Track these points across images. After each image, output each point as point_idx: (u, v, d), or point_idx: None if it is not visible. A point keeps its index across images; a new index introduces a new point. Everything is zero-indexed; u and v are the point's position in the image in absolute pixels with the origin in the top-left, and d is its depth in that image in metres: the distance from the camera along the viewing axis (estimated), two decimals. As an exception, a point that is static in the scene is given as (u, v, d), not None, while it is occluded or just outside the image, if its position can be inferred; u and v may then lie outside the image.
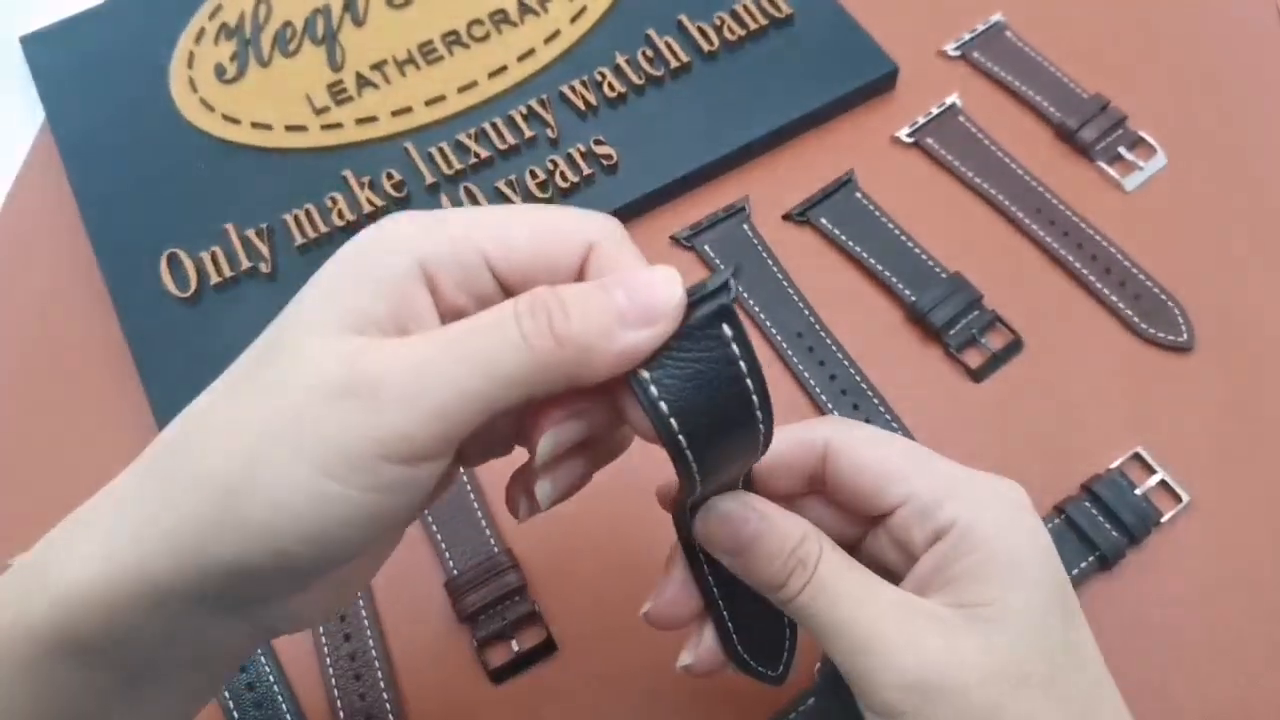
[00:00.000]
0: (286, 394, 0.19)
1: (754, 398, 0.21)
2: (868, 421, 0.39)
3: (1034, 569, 0.24)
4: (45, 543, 0.22)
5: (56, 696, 0.21)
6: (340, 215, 0.45)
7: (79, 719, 0.22)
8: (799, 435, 0.27)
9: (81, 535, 0.21)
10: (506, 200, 0.44)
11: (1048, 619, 0.24)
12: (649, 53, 0.48)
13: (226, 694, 0.35)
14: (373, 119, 0.48)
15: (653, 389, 0.20)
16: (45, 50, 0.52)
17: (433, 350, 0.19)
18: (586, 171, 0.45)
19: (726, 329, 0.20)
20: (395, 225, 0.21)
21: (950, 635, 0.24)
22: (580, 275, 0.22)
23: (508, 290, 0.21)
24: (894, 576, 0.26)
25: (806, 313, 0.42)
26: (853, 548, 0.28)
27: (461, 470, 0.39)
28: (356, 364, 0.19)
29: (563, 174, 0.45)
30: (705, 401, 0.20)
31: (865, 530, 0.28)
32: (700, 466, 0.21)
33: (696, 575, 0.27)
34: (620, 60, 0.48)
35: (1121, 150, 0.46)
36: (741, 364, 0.21)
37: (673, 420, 0.20)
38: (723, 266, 0.24)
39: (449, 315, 0.21)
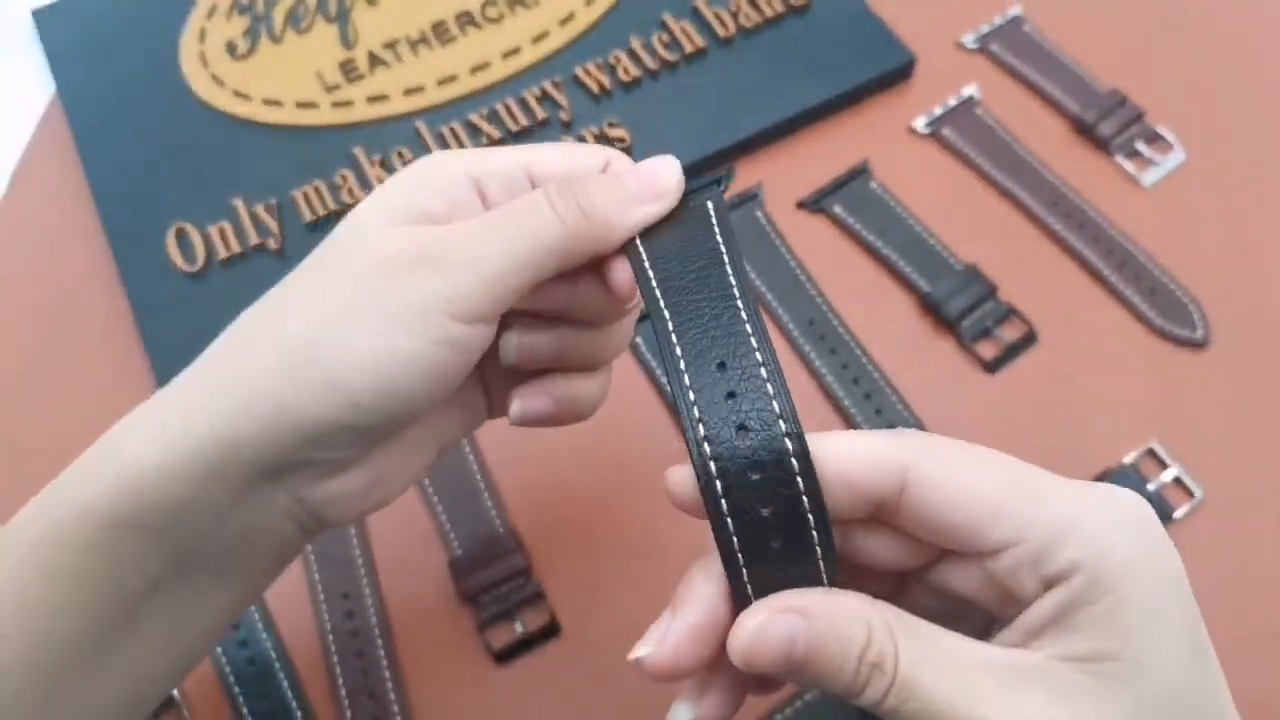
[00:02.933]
0: (361, 268, 0.23)
1: (731, 277, 0.23)
2: (879, 413, 0.39)
3: (1172, 609, 0.20)
4: (112, 429, 0.24)
5: (108, 576, 0.23)
6: (350, 193, 0.44)
7: (127, 599, 0.23)
8: (873, 451, 0.21)
9: (150, 415, 0.23)
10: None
11: (1191, 669, 0.20)
12: (664, 37, 0.48)
13: (228, 668, 0.35)
14: (384, 97, 0.47)
15: (643, 252, 0.24)
16: (57, 23, 0.52)
17: (484, 228, 0.23)
18: (599, 154, 0.45)
19: (713, 214, 0.24)
20: (446, 152, 0.25)
21: (1073, 703, 0.20)
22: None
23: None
24: (981, 612, 0.22)
25: (819, 301, 0.42)
26: (917, 569, 0.23)
27: (469, 452, 0.39)
28: (424, 239, 0.23)
29: (575, 156, 0.45)
30: (685, 268, 0.23)
31: (936, 557, 0.23)
32: (679, 333, 0.22)
33: (716, 528, 0.21)
34: (635, 44, 0.48)
35: (1139, 145, 0.45)
36: (719, 238, 0.23)
37: (654, 280, 0.23)
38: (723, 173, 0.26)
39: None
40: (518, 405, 0.27)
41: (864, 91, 0.47)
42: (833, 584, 0.21)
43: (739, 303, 0.22)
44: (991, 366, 0.40)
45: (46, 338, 0.43)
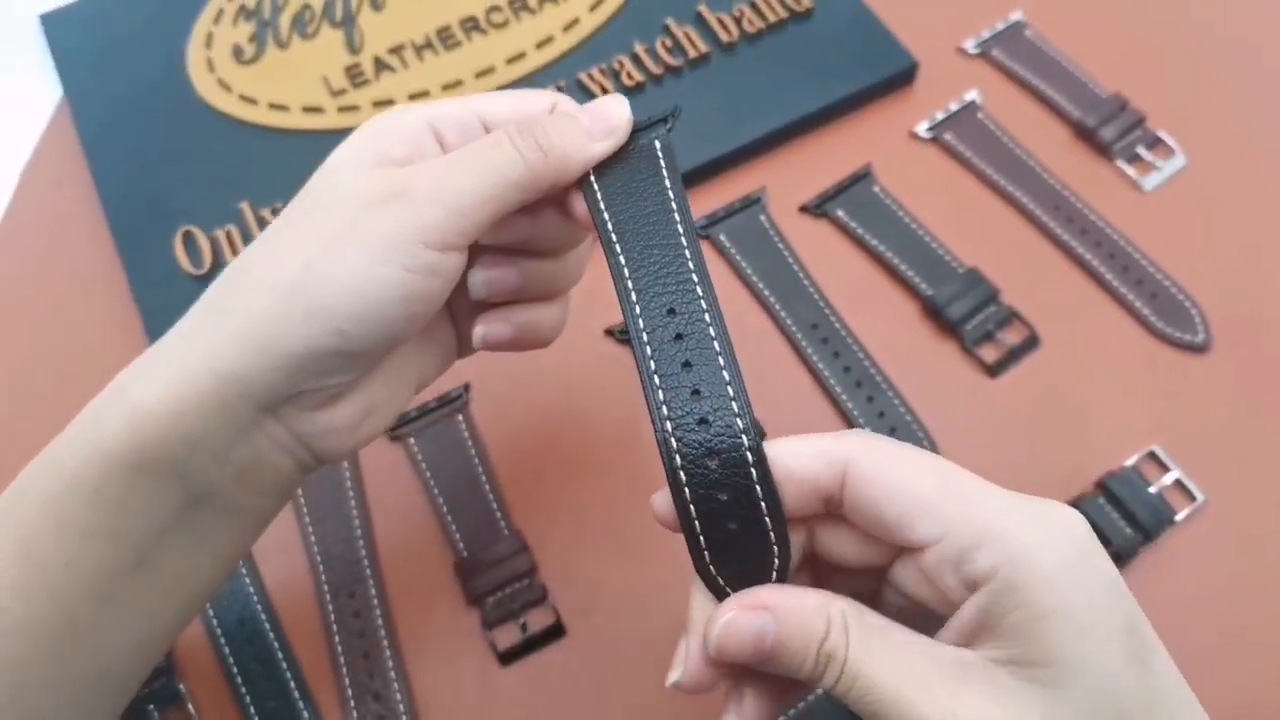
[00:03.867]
0: (337, 209, 0.25)
1: (678, 224, 0.25)
2: (881, 416, 0.39)
3: (1098, 616, 0.21)
4: (118, 376, 0.26)
5: (119, 524, 0.24)
6: (356, 197, 0.44)
7: (137, 546, 0.25)
8: (818, 447, 0.23)
9: (154, 358, 0.25)
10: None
11: (1122, 675, 0.21)
12: (668, 43, 0.48)
13: (235, 668, 0.35)
14: (390, 102, 0.48)
15: (598, 190, 0.26)
16: (65, 28, 0.52)
17: (451, 165, 0.25)
18: (604, 159, 0.45)
19: (660, 156, 0.26)
20: (402, 106, 0.27)
21: (1007, 704, 0.21)
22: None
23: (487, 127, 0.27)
24: (930, 614, 0.23)
25: (822, 304, 0.42)
26: (884, 567, 0.24)
27: (474, 454, 0.39)
28: (395, 177, 0.25)
29: (580, 161, 0.45)
30: (637, 211, 0.26)
31: (894, 556, 0.24)
32: (626, 256, 0.25)
33: (672, 487, 0.23)
34: (639, 49, 0.48)
35: (1140, 150, 0.46)
36: (666, 182, 0.26)
37: (609, 221, 0.26)
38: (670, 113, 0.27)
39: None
40: (480, 330, 0.29)
41: (866, 96, 0.47)
42: (784, 565, 0.23)
43: (686, 252, 0.25)
44: (994, 370, 0.40)
45: (54, 340, 0.44)
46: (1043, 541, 0.21)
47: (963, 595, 0.22)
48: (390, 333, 0.25)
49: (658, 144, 0.27)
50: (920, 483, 0.22)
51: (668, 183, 0.26)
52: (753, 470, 0.23)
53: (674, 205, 0.26)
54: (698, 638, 0.24)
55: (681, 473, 0.23)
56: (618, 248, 0.25)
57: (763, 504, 0.23)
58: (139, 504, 0.24)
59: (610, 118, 0.27)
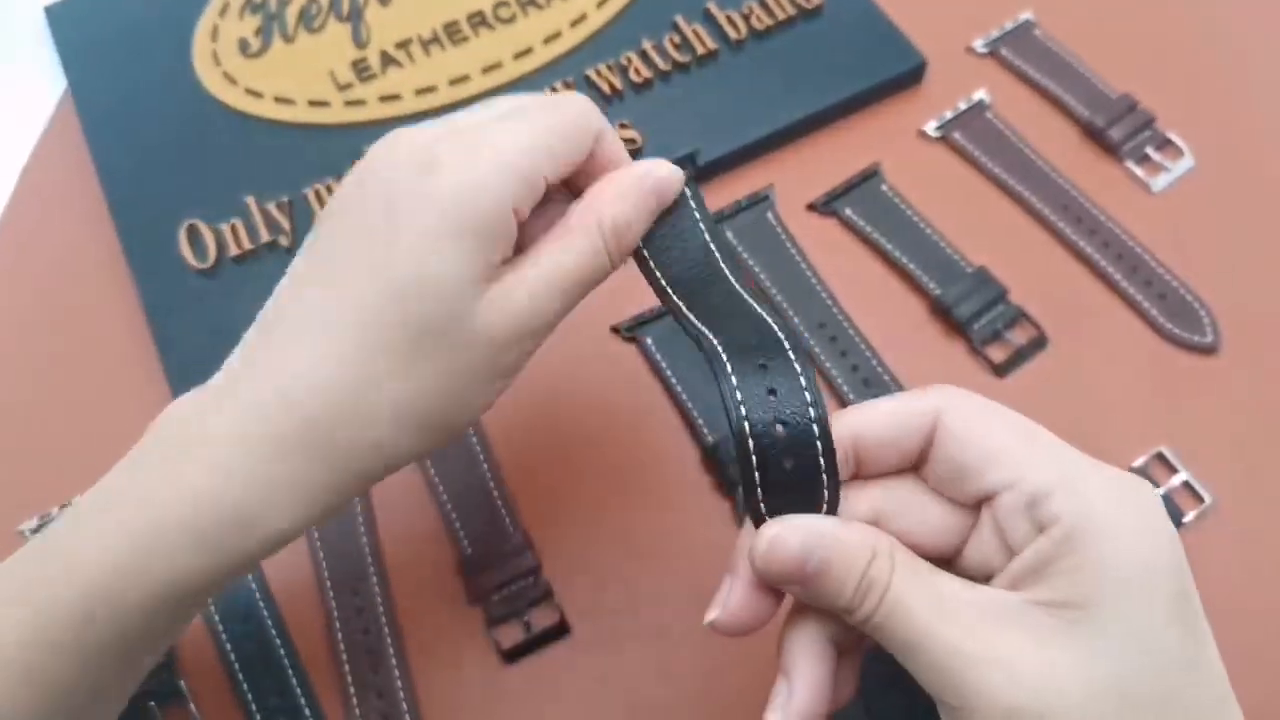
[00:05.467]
0: (478, 355, 0.26)
1: (710, 243, 0.28)
2: (889, 413, 0.39)
3: (1151, 575, 0.21)
4: (78, 517, 0.25)
5: (98, 658, 0.24)
6: (362, 192, 0.44)
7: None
8: (909, 405, 0.24)
9: (290, 487, 0.25)
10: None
11: (1165, 634, 0.21)
12: (676, 39, 0.48)
13: (237, 665, 0.35)
14: (396, 97, 0.47)
15: (649, 258, 0.28)
16: (69, 20, 0.52)
17: (562, 293, 0.26)
18: (610, 155, 0.45)
19: (695, 212, 0.28)
20: (483, 184, 0.25)
21: (1044, 645, 0.21)
22: (593, 158, 0.28)
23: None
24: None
25: (829, 303, 0.42)
26: (956, 551, 0.24)
27: (479, 452, 0.39)
28: (522, 322, 0.26)
29: (586, 157, 0.45)
30: (688, 267, 0.28)
31: (970, 525, 0.24)
32: (691, 307, 0.27)
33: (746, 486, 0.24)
34: (647, 45, 0.48)
35: (1149, 151, 0.46)
36: (706, 237, 0.28)
37: (669, 288, 0.28)
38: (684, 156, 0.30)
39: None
40: None
41: (875, 95, 0.47)
42: (834, 501, 0.24)
43: (753, 304, 0.27)
44: (1001, 370, 0.40)
45: (57, 335, 0.44)
46: (1113, 497, 0.22)
47: (1026, 544, 0.22)
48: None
49: (688, 194, 0.28)
50: (1005, 430, 0.23)
51: (707, 237, 0.28)
52: (810, 410, 0.24)
53: (719, 258, 0.28)
54: (742, 579, 0.24)
55: (754, 455, 0.24)
56: (689, 313, 0.27)
57: (818, 443, 0.24)
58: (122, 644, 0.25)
59: (671, 195, 0.28)
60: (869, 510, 0.25)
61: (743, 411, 0.23)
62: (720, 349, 0.25)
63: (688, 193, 0.28)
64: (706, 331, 0.26)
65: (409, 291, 0.24)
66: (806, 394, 0.24)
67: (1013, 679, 0.21)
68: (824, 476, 0.24)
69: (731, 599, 0.24)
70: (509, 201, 0.25)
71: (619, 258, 0.27)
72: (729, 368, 0.24)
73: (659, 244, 0.28)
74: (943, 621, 0.22)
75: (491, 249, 0.25)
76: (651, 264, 0.28)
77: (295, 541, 0.37)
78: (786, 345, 0.25)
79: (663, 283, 0.28)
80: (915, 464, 0.25)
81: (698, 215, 0.28)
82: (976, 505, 0.24)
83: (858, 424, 0.24)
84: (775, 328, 0.25)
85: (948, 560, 0.24)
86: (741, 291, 0.27)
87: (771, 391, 0.24)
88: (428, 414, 0.25)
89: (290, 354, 0.25)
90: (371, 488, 0.27)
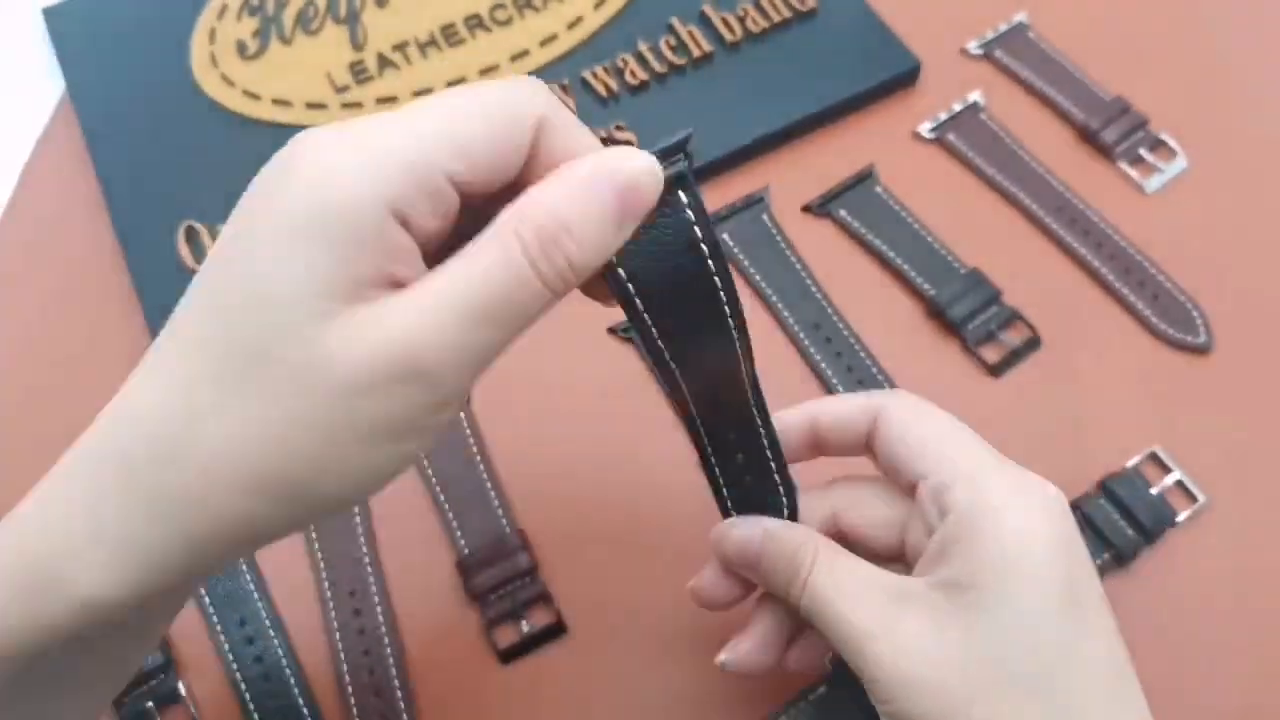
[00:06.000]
0: (324, 398, 0.19)
1: (710, 264, 0.21)
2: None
3: (1038, 558, 0.24)
4: (36, 549, 0.20)
5: (70, 675, 0.23)
6: (359, 194, 0.44)
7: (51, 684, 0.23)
8: (862, 401, 0.29)
9: (93, 546, 0.20)
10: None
11: (1044, 613, 0.23)
12: (672, 41, 0.48)
13: (235, 666, 0.35)
14: (393, 99, 0.48)
15: (621, 272, 0.21)
16: (68, 22, 0.52)
17: (465, 320, 0.19)
18: (607, 157, 0.45)
19: (695, 227, 0.21)
20: (342, 178, 0.19)
21: (939, 625, 0.24)
22: (532, 153, 0.21)
23: (464, 194, 0.20)
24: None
25: (824, 304, 0.42)
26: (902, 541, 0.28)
27: (476, 453, 0.39)
28: (395, 351, 0.19)
29: (583, 159, 0.45)
30: (674, 296, 0.22)
31: (908, 510, 0.28)
32: (670, 348, 0.23)
33: (692, 433, 0.27)
34: (643, 48, 0.48)
35: (1142, 152, 0.46)
36: (697, 230, 0.21)
37: (638, 300, 0.22)
38: (677, 134, 0.21)
39: (420, 240, 0.20)
40: None
41: (869, 97, 0.48)
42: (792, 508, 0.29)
43: (729, 323, 0.23)
44: (995, 370, 0.40)
45: (55, 334, 0.44)
46: (1007, 490, 0.25)
47: (938, 528, 0.25)
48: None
49: (685, 202, 0.21)
50: (929, 430, 0.27)
51: (710, 263, 0.21)
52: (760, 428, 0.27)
53: (713, 270, 0.21)
54: (715, 563, 0.30)
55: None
56: (666, 353, 0.23)
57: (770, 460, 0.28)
58: (70, 671, 0.23)
59: (646, 196, 0.21)
60: (829, 508, 0.29)
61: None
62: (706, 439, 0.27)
63: (682, 196, 0.21)
64: (692, 408, 0.26)
65: (234, 303, 0.19)
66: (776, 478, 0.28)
67: (909, 653, 0.24)
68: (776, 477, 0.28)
69: (706, 576, 0.30)
70: (382, 200, 0.19)
71: (554, 275, 0.20)
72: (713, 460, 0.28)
73: (634, 261, 0.21)
74: (851, 604, 0.25)
75: (354, 259, 0.19)
76: (630, 288, 0.21)
77: (293, 542, 0.37)
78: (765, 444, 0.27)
79: (641, 312, 0.22)
80: (866, 447, 0.29)
81: (693, 221, 0.21)
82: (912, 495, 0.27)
83: (814, 409, 0.29)
84: (763, 435, 0.27)
85: (899, 550, 0.28)
86: (738, 350, 0.23)
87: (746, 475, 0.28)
88: (268, 472, 0.19)
89: (133, 376, 0.21)
90: (238, 558, 0.23)
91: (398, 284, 0.20)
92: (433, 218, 0.20)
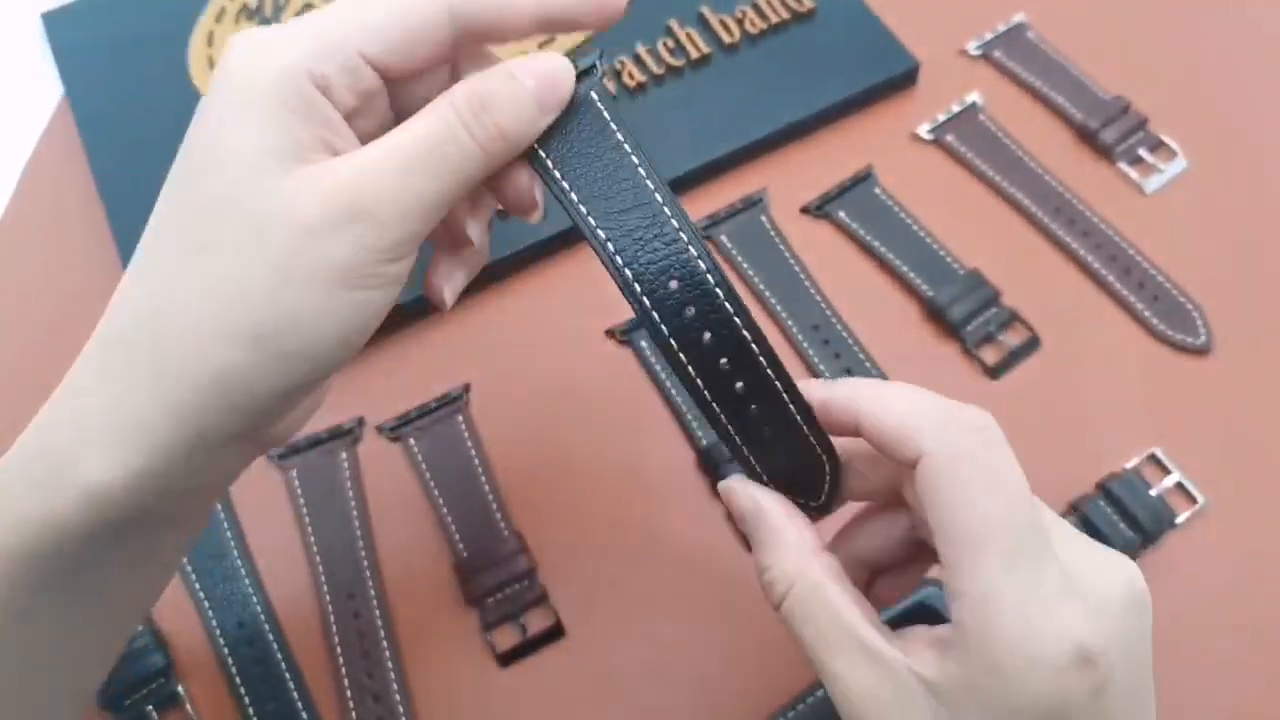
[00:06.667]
0: (273, 234, 0.21)
1: (634, 157, 0.24)
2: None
3: (981, 504, 0.22)
4: (45, 432, 0.23)
5: (65, 594, 0.23)
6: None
7: (85, 594, 0.24)
8: (830, 393, 0.26)
9: (96, 423, 0.22)
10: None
11: (1001, 578, 0.22)
12: (670, 43, 0.48)
13: (234, 668, 0.35)
14: (392, 102, 0.48)
15: (551, 165, 0.24)
16: (66, 27, 0.52)
17: (403, 169, 0.22)
18: (605, 159, 0.45)
19: (604, 111, 0.24)
20: (266, 50, 0.22)
21: (900, 695, 0.22)
22: (447, 38, 0.23)
23: (384, 74, 0.23)
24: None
25: (823, 305, 0.42)
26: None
27: (474, 456, 0.39)
28: (342, 196, 0.21)
29: (581, 161, 0.45)
30: (596, 173, 0.24)
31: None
32: (605, 228, 0.24)
33: (697, 400, 0.24)
34: (641, 50, 0.48)
35: (1142, 152, 0.46)
36: (613, 126, 0.24)
37: (564, 182, 0.24)
38: (593, 54, 0.25)
39: (344, 112, 0.23)
40: (450, 294, 0.28)
41: (868, 98, 0.47)
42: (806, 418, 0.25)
43: (663, 206, 0.24)
44: (994, 371, 0.40)
45: (53, 341, 0.44)
46: (1017, 646, 0.21)
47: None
48: (360, 345, 0.24)
49: (594, 95, 0.24)
50: (958, 514, 0.23)
51: (620, 136, 0.24)
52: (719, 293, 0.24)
53: (635, 159, 0.24)
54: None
55: (643, 297, 0.24)
56: (591, 221, 0.24)
57: (755, 348, 0.24)
58: (91, 570, 0.23)
59: (561, 86, 0.24)
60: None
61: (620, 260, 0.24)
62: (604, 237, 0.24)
63: (596, 97, 0.24)
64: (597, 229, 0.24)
65: (194, 175, 0.22)
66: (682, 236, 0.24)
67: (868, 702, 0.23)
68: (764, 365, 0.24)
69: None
70: (302, 69, 0.21)
71: (483, 133, 0.23)
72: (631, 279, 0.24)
73: (561, 151, 0.24)
74: (823, 648, 0.24)
75: (292, 124, 0.22)
76: (553, 170, 0.24)
77: (291, 545, 0.37)
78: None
79: (569, 192, 0.24)
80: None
81: (610, 121, 0.24)
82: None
83: (859, 408, 0.25)
84: (709, 277, 0.24)
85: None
86: (667, 214, 0.24)
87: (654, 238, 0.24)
88: (236, 321, 0.21)
89: (127, 270, 0.23)
90: (233, 434, 0.23)
91: (337, 154, 0.22)
92: (349, 94, 0.23)
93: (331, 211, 0.21)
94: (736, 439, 0.25)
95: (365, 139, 0.23)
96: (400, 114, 0.24)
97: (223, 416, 0.22)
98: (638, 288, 0.24)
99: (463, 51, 0.25)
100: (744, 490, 0.26)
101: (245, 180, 0.21)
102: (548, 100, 0.24)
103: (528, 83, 0.23)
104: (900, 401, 0.24)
